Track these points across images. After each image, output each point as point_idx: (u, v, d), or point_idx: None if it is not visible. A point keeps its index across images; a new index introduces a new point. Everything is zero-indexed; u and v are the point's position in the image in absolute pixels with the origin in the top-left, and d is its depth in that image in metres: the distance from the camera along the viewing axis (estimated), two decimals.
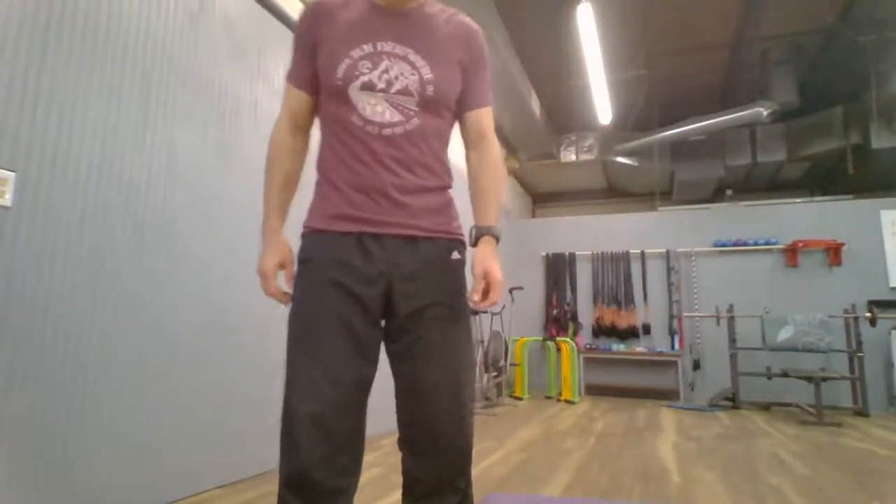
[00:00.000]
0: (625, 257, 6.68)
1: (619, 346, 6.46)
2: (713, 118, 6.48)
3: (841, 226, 5.93)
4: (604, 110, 6.32)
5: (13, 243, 1.54)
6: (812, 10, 5.25)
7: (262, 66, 2.65)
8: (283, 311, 2.67)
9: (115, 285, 1.84)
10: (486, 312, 5.35)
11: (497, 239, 1.09)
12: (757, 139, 7.14)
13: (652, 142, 7.12)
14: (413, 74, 1.05)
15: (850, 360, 5.30)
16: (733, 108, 6.32)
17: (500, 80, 4.96)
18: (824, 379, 4.72)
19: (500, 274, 1.03)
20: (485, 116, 1.16)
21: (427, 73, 1.06)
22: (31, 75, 1.61)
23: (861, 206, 5.98)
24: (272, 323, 2.58)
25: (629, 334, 6.48)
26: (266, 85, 2.67)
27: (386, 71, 1.04)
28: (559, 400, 5.84)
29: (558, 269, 6.93)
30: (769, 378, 5.34)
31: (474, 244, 1.08)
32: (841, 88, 6.45)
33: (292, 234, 1.10)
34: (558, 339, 6.21)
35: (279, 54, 2.78)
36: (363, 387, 1.00)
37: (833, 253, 5.86)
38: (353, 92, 1.03)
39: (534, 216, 8.85)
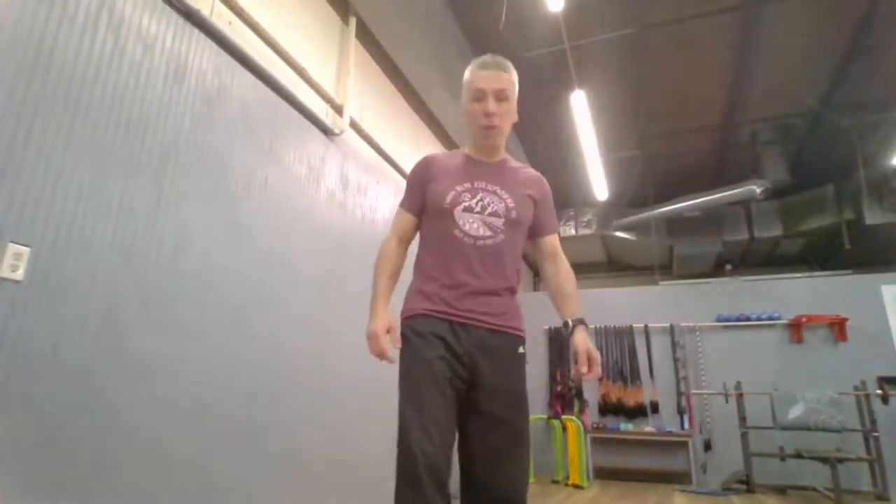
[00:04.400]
0: (629, 332, 6.59)
1: (627, 426, 6.24)
2: (707, 195, 6.64)
3: (843, 301, 5.90)
4: (600, 188, 6.50)
5: (23, 316, 1.55)
6: (795, 94, 5.53)
7: (273, 148, 2.76)
8: (279, 389, 2.62)
9: (119, 355, 1.82)
10: None
11: (587, 326, 1.45)
12: (752, 215, 7.27)
13: (648, 218, 7.27)
14: (500, 203, 1.49)
15: (866, 439, 5.11)
16: (727, 186, 6.49)
17: None
18: (840, 460, 4.54)
19: (597, 352, 1.38)
20: (555, 240, 1.62)
21: (510, 202, 1.49)
22: (56, 155, 1.69)
23: (861, 282, 5.99)
24: (273, 398, 2.53)
25: (637, 412, 6.26)
26: (276, 166, 2.77)
27: (481, 199, 1.48)
28: (567, 485, 5.59)
29: (562, 344, 6.82)
30: (783, 459, 5.13)
31: (571, 332, 1.43)
32: (830, 167, 6.65)
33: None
34: (563, 417, 6.03)
35: (290, 137, 2.91)
36: (454, 432, 1.33)
37: (837, 328, 5.81)
38: (457, 212, 1.46)
39: (535, 290, 8.86)
